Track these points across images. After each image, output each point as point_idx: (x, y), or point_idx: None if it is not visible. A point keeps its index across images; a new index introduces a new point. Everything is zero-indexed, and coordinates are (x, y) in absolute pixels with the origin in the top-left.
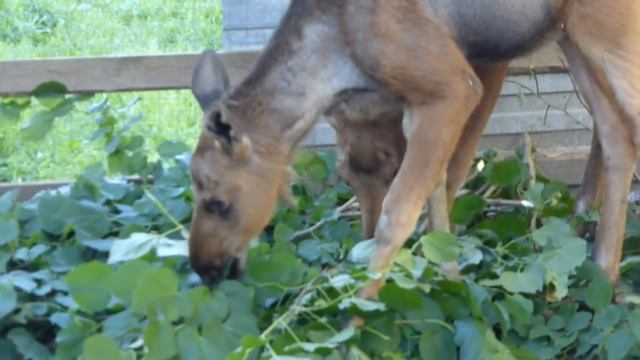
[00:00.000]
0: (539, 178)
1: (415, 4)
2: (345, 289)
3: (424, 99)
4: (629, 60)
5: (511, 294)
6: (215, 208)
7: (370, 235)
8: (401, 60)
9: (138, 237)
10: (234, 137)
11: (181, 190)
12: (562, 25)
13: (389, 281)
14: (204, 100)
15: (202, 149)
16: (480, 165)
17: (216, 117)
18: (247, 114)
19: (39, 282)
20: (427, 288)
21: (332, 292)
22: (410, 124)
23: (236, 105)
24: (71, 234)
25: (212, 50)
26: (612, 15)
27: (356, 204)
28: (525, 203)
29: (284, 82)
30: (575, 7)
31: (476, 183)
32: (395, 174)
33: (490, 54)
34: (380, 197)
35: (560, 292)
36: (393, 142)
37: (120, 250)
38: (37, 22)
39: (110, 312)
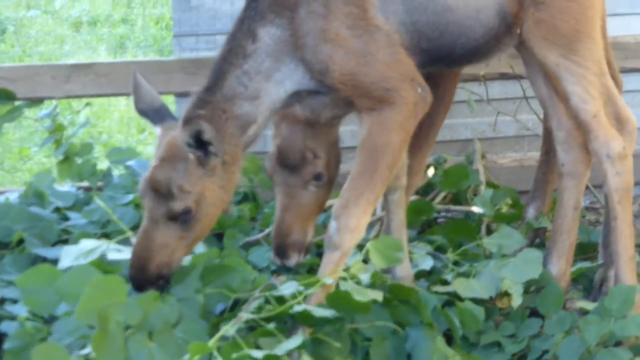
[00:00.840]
0: (489, 184)
1: (366, 11)
2: (294, 296)
3: (373, 105)
4: (584, 65)
5: (463, 300)
6: (181, 217)
7: (277, 233)
8: (350, 66)
9: (87, 243)
10: (213, 153)
11: (130, 197)
12: (518, 31)
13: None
14: (156, 115)
15: (171, 159)
16: (431, 172)
17: (197, 135)
18: (214, 122)
19: None
20: (379, 297)
21: (281, 299)
22: (359, 130)
23: (204, 114)
24: (20, 241)
25: (138, 70)
26: (567, 20)
27: None
28: (475, 209)
29: (242, 86)
30: (530, 12)
31: (426, 189)
32: (316, 177)
33: (445, 60)
34: (296, 198)
35: (516, 301)
36: (324, 145)
37: (70, 256)
38: None
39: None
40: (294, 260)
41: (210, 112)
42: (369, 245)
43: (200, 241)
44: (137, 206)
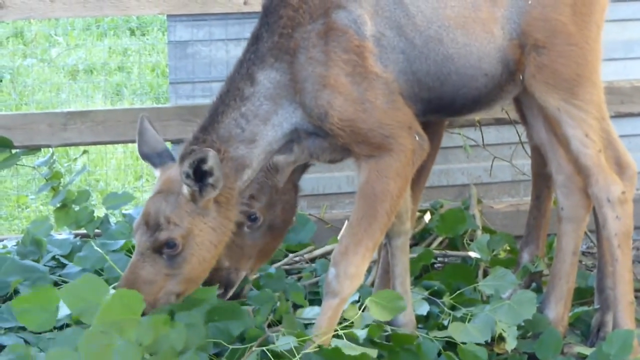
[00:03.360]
0: (485, 229)
1: (365, 59)
2: (290, 352)
3: (371, 151)
4: (584, 109)
5: (464, 344)
6: (166, 250)
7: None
8: (349, 112)
9: None
10: (211, 184)
11: (121, 242)
12: (520, 77)
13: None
14: (157, 158)
15: (166, 191)
16: (427, 217)
17: (198, 164)
18: (184, 162)
19: None
20: (374, 354)
21: (277, 355)
22: (358, 177)
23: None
24: (16, 292)
25: (147, 116)
26: (568, 65)
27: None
28: (472, 254)
29: (238, 129)
30: (532, 58)
31: (423, 235)
32: (251, 219)
33: (446, 109)
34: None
35: (510, 344)
36: (265, 188)
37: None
38: None
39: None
40: (219, 291)
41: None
42: (368, 301)
43: (192, 287)
44: (129, 252)
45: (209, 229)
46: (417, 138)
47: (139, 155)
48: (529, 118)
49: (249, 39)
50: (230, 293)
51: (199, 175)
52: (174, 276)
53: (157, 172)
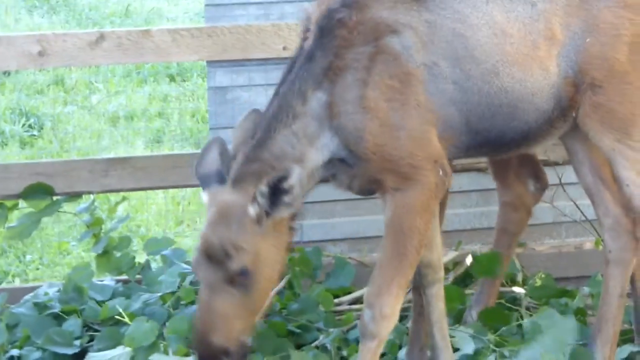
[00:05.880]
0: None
1: (410, 86)
2: None
3: (398, 183)
4: (638, 150)
5: None
6: (239, 278)
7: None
8: (384, 137)
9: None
10: (287, 203)
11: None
12: (573, 115)
13: None
14: (204, 180)
15: (225, 218)
16: (469, 260)
17: (278, 182)
18: (262, 180)
19: None
20: None
21: None
22: (384, 213)
23: (253, 171)
24: None
25: (220, 138)
26: (624, 104)
27: (344, 298)
28: (516, 289)
29: (289, 146)
30: (588, 96)
31: (464, 278)
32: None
33: (494, 143)
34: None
35: None
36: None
37: None
38: (23, 125)
39: None
40: None
41: (259, 169)
42: None
43: (259, 313)
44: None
45: (272, 248)
46: (440, 173)
47: (195, 175)
48: (573, 162)
49: (301, 58)
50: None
51: (275, 192)
52: (248, 303)
53: (203, 195)
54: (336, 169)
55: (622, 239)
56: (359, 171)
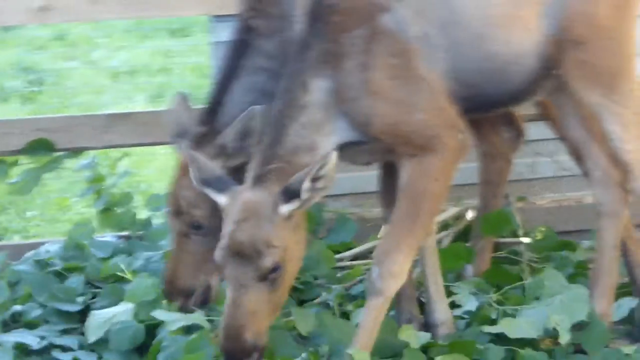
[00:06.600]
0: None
1: (410, 62)
2: None
3: (415, 151)
4: (623, 105)
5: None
6: (271, 275)
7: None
8: (392, 116)
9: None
10: (320, 189)
11: (165, 243)
12: (557, 72)
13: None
14: (218, 183)
15: (254, 216)
16: (470, 214)
17: (318, 171)
18: (283, 176)
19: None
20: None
21: None
22: (400, 176)
23: (274, 169)
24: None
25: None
26: (607, 59)
27: (346, 254)
28: (524, 239)
29: (300, 138)
30: (571, 53)
31: (465, 232)
32: (194, 227)
33: (485, 106)
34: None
35: (564, 337)
36: (202, 195)
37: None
38: (25, 80)
39: None
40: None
41: (279, 167)
42: None
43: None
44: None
45: (297, 243)
46: (460, 137)
47: (197, 184)
48: (561, 115)
49: (296, 47)
50: (192, 301)
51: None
52: (275, 298)
53: (221, 198)
54: (344, 147)
55: (612, 191)
56: (371, 148)
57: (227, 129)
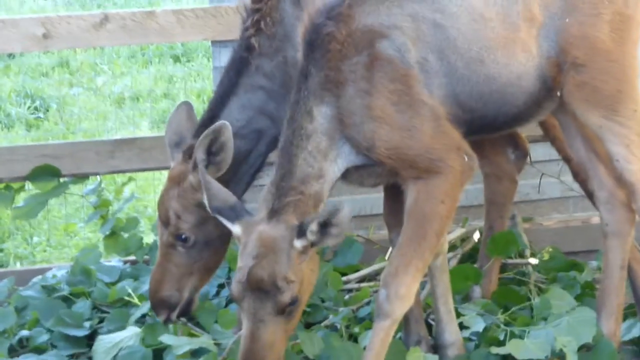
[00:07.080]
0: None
1: (411, 87)
2: None
3: (420, 174)
4: (626, 125)
5: None
6: (289, 308)
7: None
8: (395, 141)
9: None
10: (335, 235)
11: None
12: (558, 94)
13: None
14: (232, 212)
15: (271, 252)
16: (476, 235)
17: (327, 218)
18: (299, 207)
19: None
20: None
21: None
22: (406, 198)
23: (290, 201)
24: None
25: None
26: (608, 81)
27: (353, 276)
28: (532, 260)
29: (310, 167)
30: (571, 76)
31: (472, 253)
32: (181, 239)
33: (487, 128)
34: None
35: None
36: (190, 208)
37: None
38: (29, 107)
39: None
40: (163, 317)
41: (294, 198)
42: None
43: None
44: None
45: (311, 272)
46: (465, 159)
47: (210, 211)
48: (566, 136)
49: (298, 76)
50: (175, 314)
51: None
52: (290, 328)
53: (235, 228)
54: (350, 171)
55: (617, 211)
56: (377, 170)
57: (196, 144)
